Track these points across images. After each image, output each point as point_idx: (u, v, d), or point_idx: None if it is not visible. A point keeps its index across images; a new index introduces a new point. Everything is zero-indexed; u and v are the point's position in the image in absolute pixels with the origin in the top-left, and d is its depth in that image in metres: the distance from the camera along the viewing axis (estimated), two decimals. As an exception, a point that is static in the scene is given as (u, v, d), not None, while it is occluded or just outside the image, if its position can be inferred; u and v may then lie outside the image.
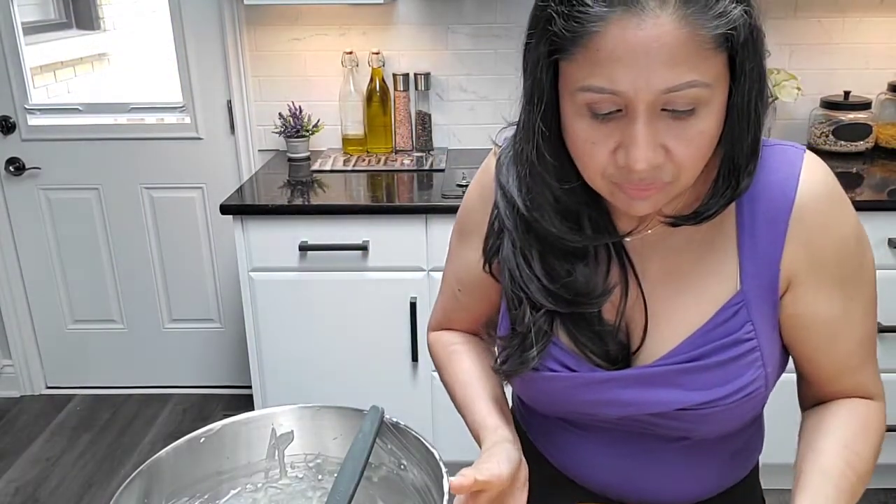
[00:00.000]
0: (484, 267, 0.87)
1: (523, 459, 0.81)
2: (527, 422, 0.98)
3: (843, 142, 2.33)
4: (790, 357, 0.84)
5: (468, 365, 0.93)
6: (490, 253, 0.85)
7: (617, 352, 0.80)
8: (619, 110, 0.66)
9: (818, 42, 2.40)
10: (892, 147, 2.36)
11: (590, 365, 0.81)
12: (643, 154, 0.65)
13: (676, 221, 0.74)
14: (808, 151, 0.77)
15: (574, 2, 0.64)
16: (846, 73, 2.42)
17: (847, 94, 2.34)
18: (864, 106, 2.33)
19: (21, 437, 2.66)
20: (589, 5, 0.63)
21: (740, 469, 0.91)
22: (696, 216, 0.73)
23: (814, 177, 0.74)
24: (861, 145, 2.33)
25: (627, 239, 0.80)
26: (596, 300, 0.78)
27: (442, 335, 1.00)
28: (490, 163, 0.88)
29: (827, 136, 2.34)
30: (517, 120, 0.78)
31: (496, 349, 0.87)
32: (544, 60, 0.68)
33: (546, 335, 0.80)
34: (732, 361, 0.76)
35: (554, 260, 0.79)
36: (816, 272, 0.75)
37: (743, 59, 0.65)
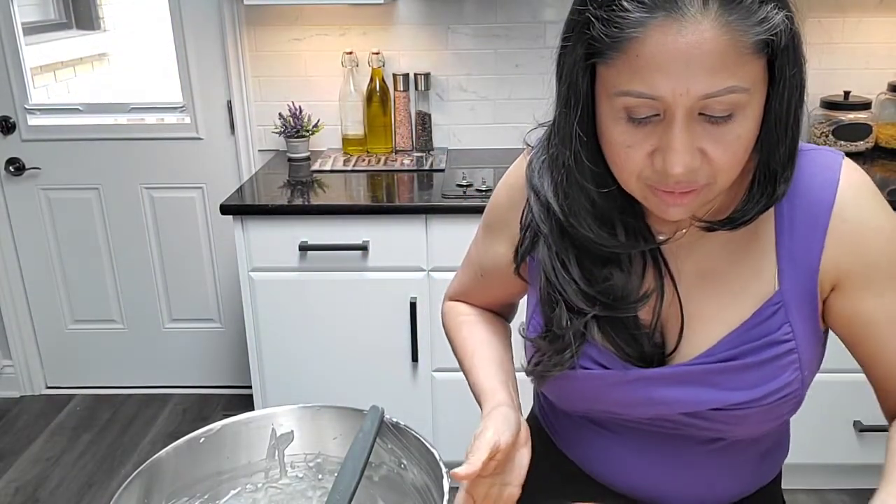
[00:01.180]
0: (515, 270, 0.87)
1: (522, 420, 0.82)
2: (550, 423, 0.97)
3: (842, 142, 2.33)
4: (860, 366, 0.82)
5: (476, 333, 0.96)
6: (521, 256, 0.85)
7: (652, 352, 0.80)
8: (657, 115, 0.65)
9: (818, 42, 2.40)
10: (892, 147, 2.36)
11: (624, 363, 0.80)
12: (681, 158, 0.65)
13: (712, 226, 0.74)
14: (845, 157, 0.77)
15: (614, 6, 0.63)
16: (846, 73, 2.41)
17: (847, 94, 2.34)
18: (864, 106, 2.33)
19: (21, 437, 2.66)
20: (629, 10, 0.62)
21: (768, 471, 0.91)
22: (732, 222, 0.73)
23: (852, 179, 0.75)
24: (861, 145, 2.33)
25: (661, 237, 0.79)
26: (633, 304, 0.78)
27: (456, 305, 1.03)
28: (521, 164, 0.87)
29: (827, 136, 2.34)
30: (550, 121, 0.78)
31: (525, 350, 0.87)
32: (581, 64, 0.67)
33: (582, 336, 0.80)
34: (769, 362, 0.76)
35: (591, 265, 0.78)
36: (866, 274, 0.75)
37: (783, 63, 0.65)
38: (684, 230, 0.79)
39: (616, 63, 0.64)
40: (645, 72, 0.63)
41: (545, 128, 0.81)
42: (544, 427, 0.98)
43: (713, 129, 0.65)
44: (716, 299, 0.78)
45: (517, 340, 0.92)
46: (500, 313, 1.03)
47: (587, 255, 0.78)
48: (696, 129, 0.65)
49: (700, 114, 0.64)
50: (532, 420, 1.01)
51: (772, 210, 0.75)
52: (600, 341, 0.81)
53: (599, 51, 0.65)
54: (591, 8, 0.65)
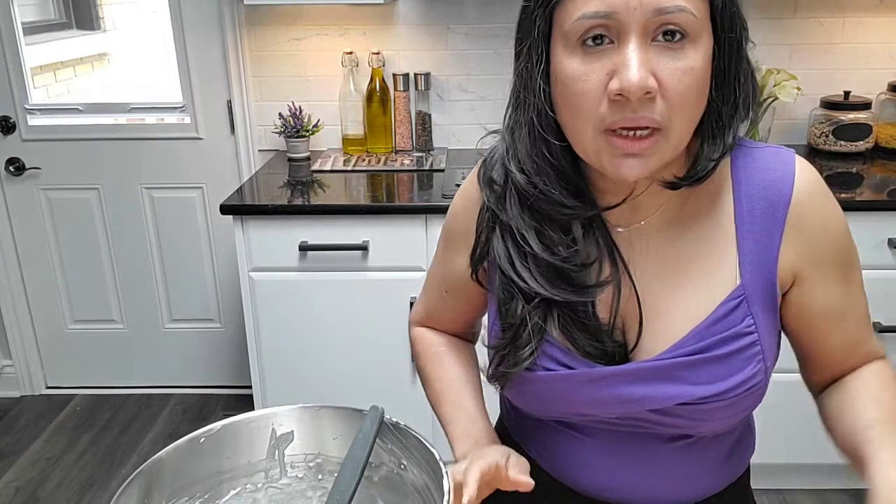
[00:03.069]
0: (472, 275, 0.87)
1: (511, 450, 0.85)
2: (517, 429, 0.97)
3: (842, 142, 2.33)
4: (794, 349, 0.86)
5: (453, 369, 0.98)
6: (477, 261, 0.86)
7: (614, 349, 0.79)
8: (612, 42, 0.67)
9: (818, 42, 2.40)
10: (891, 147, 2.36)
11: (587, 362, 0.80)
12: (635, 72, 0.65)
13: (673, 184, 0.75)
14: (796, 154, 0.80)
15: None
16: (846, 73, 2.42)
17: (847, 94, 2.34)
18: (864, 106, 2.33)
19: (21, 437, 2.66)
20: None
21: (735, 469, 0.91)
22: (689, 178, 0.74)
23: (807, 175, 0.78)
24: (861, 145, 2.33)
25: (620, 229, 0.80)
26: (590, 289, 0.78)
27: (424, 332, 1.02)
28: (474, 176, 0.89)
29: (827, 136, 2.34)
30: (500, 126, 0.81)
31: (487, 357, 0.86)
32: (540, 12, 0.71)
33: (541, 330, 0.79)
34: (734, 355, 0.76)
35: (553, 234, 0.78)
36: (820, 264, 0.78)
37: (722, 19, 0.70)
38: (642, 221, 0.79)
39: None
40: None
41: (496, 135, 0.85)
42: (512, 434, 0.97)
43: (666, 56, 0.67)
44: (678, 294, 0.79)
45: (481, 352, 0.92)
46: (466, 337, 1.03)
47: (550, 226, 0.78)
48: (649, 52, 0.66)
49: (653, 41, 0.67)
50: (499, 427, 1.01)
51: (731, 204, 0.77)
52: (561, 341, 0.80)
53: None
54: None
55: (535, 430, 0.93)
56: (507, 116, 0.80)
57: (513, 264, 0.80)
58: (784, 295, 0.80)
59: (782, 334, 0.84)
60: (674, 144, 0.70)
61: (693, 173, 0.74)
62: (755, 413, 0.88)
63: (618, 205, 0.78)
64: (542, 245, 0.78)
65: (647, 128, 0.68)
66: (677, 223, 0.79)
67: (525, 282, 0.79)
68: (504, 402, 1.01)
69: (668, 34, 0.66)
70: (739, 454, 0.91)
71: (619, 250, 0.79)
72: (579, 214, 0.77)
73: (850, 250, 0.81)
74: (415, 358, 1.03)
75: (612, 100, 0.67)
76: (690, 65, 0.67)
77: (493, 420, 1.00)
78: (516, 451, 0.90)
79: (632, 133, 0.68)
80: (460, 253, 0.89)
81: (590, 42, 0.67)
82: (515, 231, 0.79)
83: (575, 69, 0.69)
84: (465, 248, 0.87)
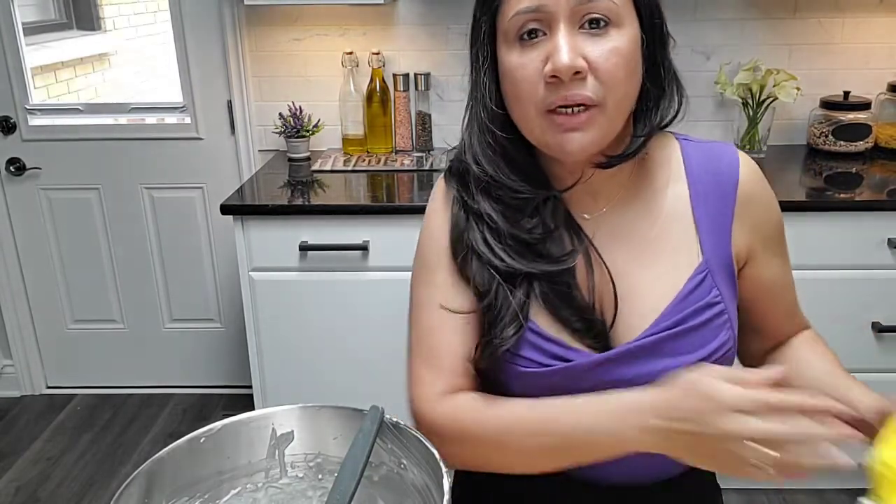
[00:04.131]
0: (457, 258, 0.87)
1: None
2: None
3: (842, 142, 2.33)
4: (743, 323, 0.92)
5: (524, 400, 0.82)
6: (455, 240, 0.88)
7: (598, 327, 0.83)
8: (544, 33, 0.76)
9: (818, 42, 2.40)
10: (891, 147, 2.36)
11: (577, 349, 0.83)
12: (565, 55, 0.74)
13: (610, 161, 0.81)
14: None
15: None
16: (846, 73, 2.42)
17: (847, 94, 2.34)
18: (864, 106, 2.33)
19: (22, 437, 2.66)
20: None
21: None
22: (621, 155, 0.81)
23: (749, 164, 0.88)
24: (861, 145, 2.33)
25: (586, 216, 0.86)
26: (564, 258, 0.83)
27: (462, 398, 0.85)
28: (438, 187, 0.93)
29: (826, 136, 2.34)
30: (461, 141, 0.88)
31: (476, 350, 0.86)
32: (485, 18, 0.81)
33: (523, 306, 0.83)
34: (708, 324, 0.83)
35: (519, 216, 0.84)
36: (767, 242, 0.89)
37: (643, 5, 0.78)
38: (605, 209, 0.86)
39: None
40: None
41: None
42: None
43: (592, 41, 0.75)
44: (648, 272, 0.85)
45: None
46: None
47: (512, 211, 0.84)
48: (577, 39, 0.75)
49: (580, 28, 0.75)
50: None
51: (686, 190, 0.86)
52: (548, 328, 0.83)
53: (495, 1, 0.79)
54: None
55: None
56: (464, 116, 0.88)
57: (489, 246, 0.84)
58: (740, 271, 0.88)
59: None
60: (610, 118, 0.77)
61: (624, 150, 0.81)
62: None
63: (572, 186, 0.85)
64: (510, 223, 0.84)
65: (582, 104, 0.76)
66: (637, 208, 0.86)
67: (502, 260, 0.83)
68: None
69: (594, 22, 0.75)
70: None
71: (584, 232, 0.85)
72: (535, 197, 0.84)
73: (783, 230, 0.92)
74: (464, 436, 0.82)
75: (547, 82, 0.76)
76: (615, 45, 0.76)
77: None
78: None
79: (570, 110, 0.76)
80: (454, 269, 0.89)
81: (525, 36, 0.77)
82: (484, 215, 0.85)
83: (514, 61, 0.78)
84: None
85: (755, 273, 0.89)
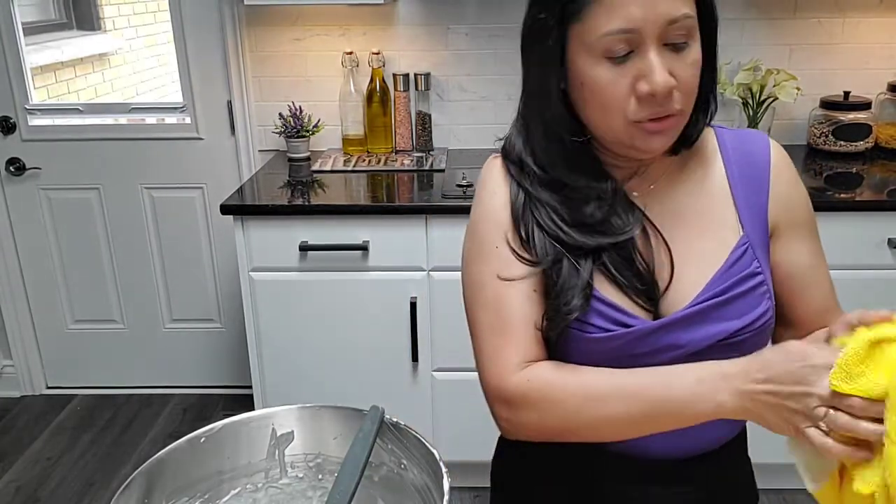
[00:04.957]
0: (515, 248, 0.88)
1: None
2: None
3: (842, 142, 2.33)
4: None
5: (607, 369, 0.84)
6: (522, 227, 0.89)
7: (655, 292, 0.87)
8: (632, 51, 0.79)
9: (818, 42, 2.40)
10: (891, 147, 2.36)
11: (636, 316, 0.86)
12: (661, 76, 0.78)
13: (676, 149, 0.89)
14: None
15: None
16: (846, 73, 2.42)
17: (847, 94, 2.34)
18: (864, 106, 2.33)
19: (22, 437, 2.66)
20: None
21: (731, 424, 0.95)
22: (687, 139, 0.88)
23: (778, 148, 0.94)
24: (861, 145, 2.33)
25: (635, 194, 0.91)
26: (626, 232, 0.86)
27: (545, 364, 0.86)
28: (492, 170, 0.93)
29: (826, 136, 2.34)
30: (518, 107, 0.91)
31: (544, 318, 0.86)
32: (555, 28, 0.81)
33: (588, 284, 0.85)
34: (750, 292, 0.88)
35: (578, 203, 0.88)
36: (794, 224, 0.92)
37: (707, 11, 0.83)
38: (652, 185, 0.91)
39: (592, 14, 0.78)
40: (620, 9, 0.77)
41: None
42: None
43: (677, 56, 0.80)
44: (697, 243, 0.90)
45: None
46: None
47: (572, 204, 0.88)
48: (665, 56, 0.79)
49: (664, 45, 0.79)
50: None
51: (722, 170, 0.92)
52: (612, 297, 0.86)
53: (573, 11, 0.79)
54: None
55: None
56: (520, 115, 0.92)
57: (555, 222, 0.88)
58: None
59: None
60: (685, 120, 0.84)
61: (687, 137, 0.88)
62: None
63: (631, 176, 0.91)
64: (572, 210, 0.88)
65: (668, 115, 0.81)
66: (680, 187, 0.92)
67: (569, 235, 0.87)
68: None
69: (678, 39, 0.79)
70: None
71: (639, 207, 0.90)
72: (594, 192, 0.88)
73: (814, 220, 0.95)
74: (548, 404, 0.82)
75: (640, 98, 0.80)
76: (695, 58, 0.81)
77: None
78: None
79: (658, 120, 0.81)
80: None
81: (616, 54, 0.79)
82: (546, 204, 0.89)
83: (603, 76, 0.80)
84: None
85: (781, 255, 0.92)
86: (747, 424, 0.97)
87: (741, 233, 0.90)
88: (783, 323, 0.94)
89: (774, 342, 0.95)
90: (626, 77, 0.79)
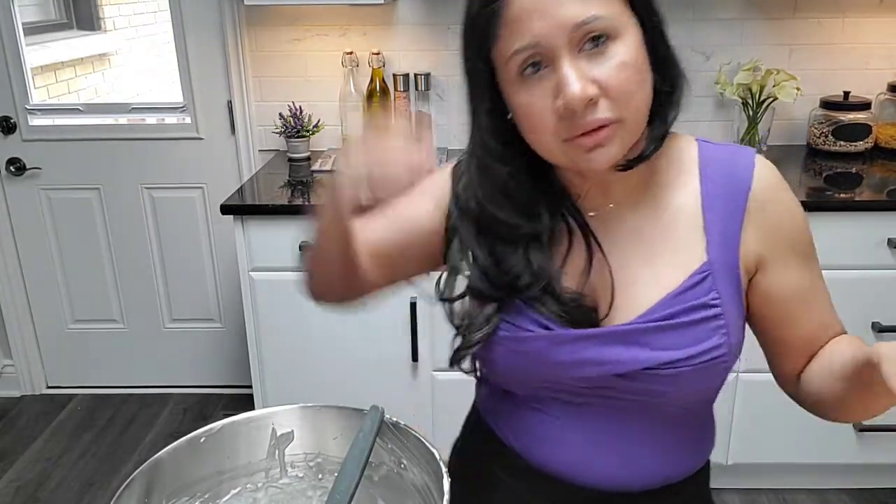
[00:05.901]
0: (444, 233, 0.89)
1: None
2: (492, 412, 0.98)
3: (842, 142, 2.33)
4: (765, 343, 0.90)
5: None
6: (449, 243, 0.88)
7: (582, 317, 0.83)
8: (546, 65, 0.74)
9: (818, 42, 2.40)
10: (891, 147, 2.36)
11: (559, 325, 0.84)
12: (573, 88, 0.72)
13: (628, 164, 0.80)
14: (756, 153, 0.86)
15: None
16: (846, 73, 2.42)
17: (847, 94, 2.34)
18: (864, 106, 2.33)
19: (22, 437, 2.66)
20: None
21: (693, 458, 0.94)
22: (641, 155, 0.80)
23: (765, 169, 0.85)
24: (861, 145, 2.33)
25: (592, 214, 0.86)
26: (551, 282, 0.83)
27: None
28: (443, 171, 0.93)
29: (826, 136, 2.34)
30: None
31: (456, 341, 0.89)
32: (482, 57, 0.77)
33: (496, 315, 0.85)
34: (699, 324, 0.81)
35: (504, 248, 0.84)
36: (783, 251, 0.85)
37: (640, 5, 0.76)
38: (611, 205, 0.86)
39: (502, 35, 0.74)
40: (522, 24, 0.73)
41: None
42: (486, 420, 0.99)
43: (597, 60, 0.73)
44: (648, 267, 0.85)
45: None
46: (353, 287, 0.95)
47: (501, 242, 0.85)
48: (581, 63, 0.73)
49: (580, 51, 0.73)
50: (474, 414, 1.04)
51: (698, 190, 0.85)
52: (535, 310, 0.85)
53: (489, 33, 0.75)
54: (470, 3, 0.77)
55: (508, 414, 0.94)
56: (464, 153, 0.87)
57: (481, 248, 0.85)
58: (751, 281, 0.86)
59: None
60: (630, 129, 0.76)
61: (642, 152, 0.80)
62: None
63: (590, 191, 0.86)
64: (492, 262, 0.85)
65: (601, 126, 0.74)
66: (644, 205, 0.86)
67: (483, 281, 0.84)
68: (478, 390, 1.02)
69: (593, 40, 0.73)
70: (700, 443, 0.94)
71: (591, 229, 0.86)
72: (526, 232, 0.83)
73: (809, 238, 0.87)
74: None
75: (561, 115, 0.74)
76: (621, 59, 0.73)
77: (465, 411, 1.05)
78: (492, 438, 0.95)
79: (589, 133, 0.75)
80: (427, 198, 0.90)
81: (528, 71, 0.74)
82: (474, 247, 0.86)
83: (523, 99, 0.76)
84: (433, 199, 0.90)
85: (768, 285, 0.85)
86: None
87: (704, 259, 0.83)
88: (777, 348, 0.90)
89: (770, 365, 0.92)
90: (547, 95, 0.74)
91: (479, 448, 0.98)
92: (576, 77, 0.72)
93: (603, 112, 0.73)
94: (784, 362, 0.91)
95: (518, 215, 0.83)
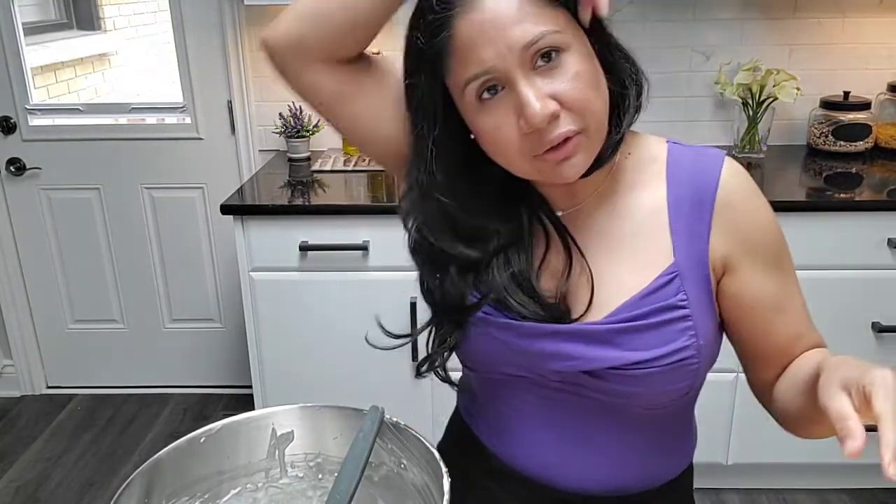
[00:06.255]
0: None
1: None
2: (471, 414, 1.00)
3: (842, 142, 2.33)
4: (738, 349, 0.89)
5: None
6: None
7: (554, 316, 0.84)
8: (503, 88, 0.74)
9: (818, 42, 2.40)
10: (891, 147, 2.36)
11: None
12: (534, 108, 0.72)
13: (589, 171, 0.80)
14: (727, 156, 0.86)
15: (425, 23, 0.77)
16: (846, 74, 2.42)
17: (847, 94, 2.34)
18: (864, 106, 2.33)
19: (22, 437, 2.66)
20: (437, 11, 0.75)
21: (676, 463, 0.94)
22: (601, 161, 0.81)
23: (733, 172, 0.84)
24: (860, 145, 2.33)
25: (559, 213, 0.87)
26: (527, 286, 0.84)
27: None
28: None
29: (826, 136, 2.35)
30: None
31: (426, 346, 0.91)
32: (436, 86, 0.78)
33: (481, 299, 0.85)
34: (666, 325, 0.82)
35: (454, 274, 0.86)
36: (751, 255, 0.84)
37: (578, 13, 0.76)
38: (580, 204, 0.86)
39: (453, 64, 0.75)
40: (471, 53, 0.73)
41: None
42: (464, 419, 1.01)
43: (551, 76, 0.74)
44: (615, 267, 0.85)
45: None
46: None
47: (450, 269, 0.86)
48: (536, 81, 0.73)
49: (533, 69, 0.73)
50: (455, 415, 1.06)
51: (664, 191, 0.85)
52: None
53: (438, 66, 0.76)
54: (415, 35, 0.79)
55: (486, 412, 0.95)
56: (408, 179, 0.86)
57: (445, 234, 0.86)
58: (720, 284, 0.85)
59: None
60: (593, 137, 0.77)
61: (601, 157, 0.81)
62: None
63: (559, 193, 0.86)
64: (444, 288, 0.87)
65: (566, 139, 0.75)
66: (611, 206, 0.86)
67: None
68: (460, 392, 1.03)
69: (545, 56, 0.73)
70: (680, 447, 0.94)
71: (566, 228, 0.87)
72: (468, 258, 0.84)
73: (780, 244, 0.86)
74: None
75: (526, 135, 0.74)
76: (575, 70, 0.74)
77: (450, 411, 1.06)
78: (471, 439, 0.96)
79: (556, 148, 0.75)
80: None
81: (486, 96, 0.75)
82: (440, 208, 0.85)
83: (487, 124, 0.76)
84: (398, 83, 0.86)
85: (736, 289, 0.84)
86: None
87: (671, 260, 0.83)
88: (751, 356, 0.89)
89: (746, 375, 0.92)
90: (509, 116, 0.74)
91: (458, 449, 0.98)
92: (534, 96, 0.72)
93: (566, 125, 0.74)
94: (758, 372, 0.90)
95: (461, 246, 0.84)
